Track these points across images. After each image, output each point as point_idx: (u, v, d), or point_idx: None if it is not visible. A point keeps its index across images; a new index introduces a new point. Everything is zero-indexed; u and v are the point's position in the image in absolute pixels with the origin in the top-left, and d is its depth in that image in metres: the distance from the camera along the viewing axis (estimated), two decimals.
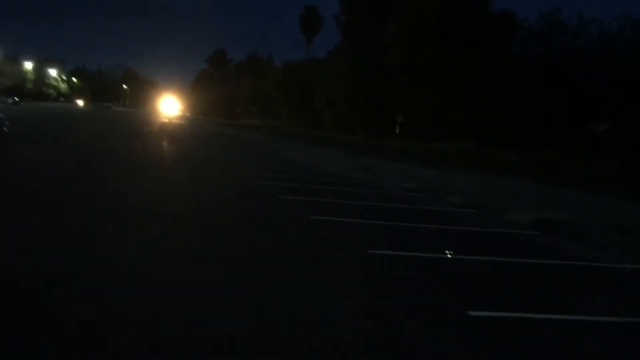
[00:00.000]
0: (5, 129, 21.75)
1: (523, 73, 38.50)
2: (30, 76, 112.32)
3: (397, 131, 45.88)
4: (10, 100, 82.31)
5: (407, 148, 40.88)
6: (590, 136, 36.70)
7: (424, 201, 14.50)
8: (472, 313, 5.73)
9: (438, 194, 15.63)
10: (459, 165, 26.68)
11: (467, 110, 40.98)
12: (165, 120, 74.22)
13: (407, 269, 7.50)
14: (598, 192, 18.14)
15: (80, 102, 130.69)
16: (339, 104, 57.98)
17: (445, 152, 37.36)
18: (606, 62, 35.67)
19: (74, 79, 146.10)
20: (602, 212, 13.85)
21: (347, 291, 6.20)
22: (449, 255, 8.34)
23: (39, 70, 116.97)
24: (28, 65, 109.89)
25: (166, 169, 17.58)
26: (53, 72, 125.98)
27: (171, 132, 43.06)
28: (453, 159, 32.35)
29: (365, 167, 21.83)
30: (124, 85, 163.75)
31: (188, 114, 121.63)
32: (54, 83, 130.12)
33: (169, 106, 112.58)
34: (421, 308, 5.89)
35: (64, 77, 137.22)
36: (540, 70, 38.18)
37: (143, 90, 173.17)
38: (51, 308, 4.77)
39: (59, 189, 11.13)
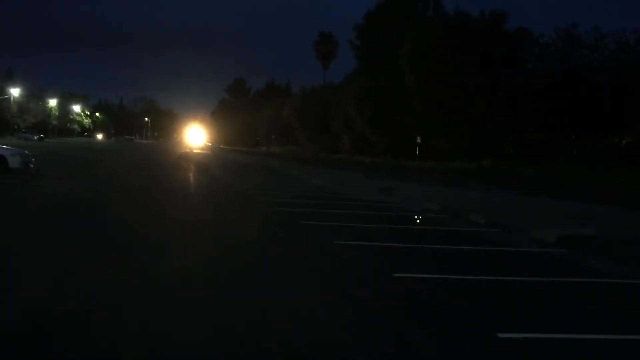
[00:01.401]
0: (31, 165, 22.27)
1: (540, 89, 38.39)
2: (55, 112, 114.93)
3: (416, 152, 45.88)
4: (35, 137, 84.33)
5: (427, 168, 40.80)
6: (612, 149, 36.27)
7: (447, 222, 14.41)
8: (501, 335, 5.67)
9: (460, 214, 15.53)
10: (479, 183, 26.50)
11: (482, 129, 40.86)
12: (187, 150, 75.23)
13: (433, 291, 7.45)
14: (621, 206, 17.85)
15: (99, 136, 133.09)
16: (357, 127, 58.25)
17: (464, 170, 37.19)
18: (625, 75, 35.42)
19: (97, 114, 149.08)
20: (627, 226, 13.61)
21: (371, 315, 6.19)
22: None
23: (63, 107, 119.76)
24: (52, 102, 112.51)
25: (189, 198, 17.76)
26: (77, 107, 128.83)
27: (193, 161, 43.56)
28: (472, 177, 32.18)
29: (386, 189, 21.80)
30: (145, 118, 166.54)
31: (209, 144, 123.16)
32: (78, 118, 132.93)
33: (193, 137, 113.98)
34: (449, 330, 5.84)
35: (88, 112, 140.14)
36: (558, 85, 38.02)
37: (164, 121, 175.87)
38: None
39: (82, 221, 11.33)
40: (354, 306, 6.51)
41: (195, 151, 73.59)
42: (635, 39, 38.59)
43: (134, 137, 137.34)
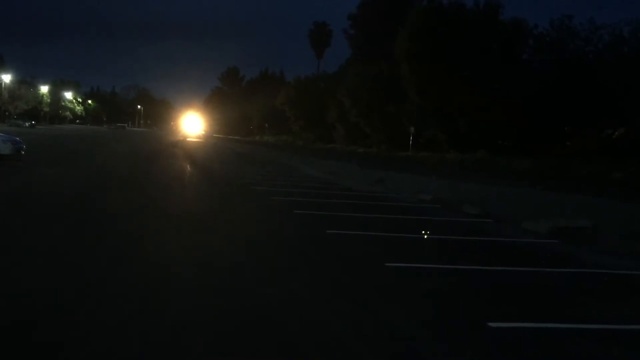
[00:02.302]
0: (22, 152, 22.09)
1: (534, 80, 38.40)
2: (46, 99, 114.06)
3: (410, 143, 45.90)
4: (26, 124, 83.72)
5: (421, 159, 40.84)
6: (605, 141, 36.40)
7: (440, 212, 14.44)
8: (492, 324, 5.68)
9: (453, 204, 15.56)
10: (473, 174, 26.54)
11: (477, 120, 40.90)
12: (181, 138, 74.98)
13: (424, 280, 7.46)
14: (614, 198, 17.93)
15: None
16: (351, 117, 58.15)
17: (459, 162, 37.25)
18: (619, 67, 35.48)
19: (89, 101, 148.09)
20: (620, 218, 13.66)
21: (363, 303, 6.17)
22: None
23: (55, 94, 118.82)
24: (44, 88, 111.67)
25: (184, 187, 17.69)
26: (68, 94, 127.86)
27: (187, 150, 43.40)
28: (466, 168, 32.23)
29: (379, 180, 21.80)
30: (138, 106, 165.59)
31: (203, 132, 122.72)
32: (70, 106, 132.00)
33: (189, 125, 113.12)
34: (440, 319, 5.85)
35: (80, 100, 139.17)
36: (551, 76, 38.05)
37: (157, 110, 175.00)
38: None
39: (72, 209, 11.26)
40: (344, 295, 6.50)
41: (188, 139, 73.25)
42: (629, 30, 38.63)
43: (126, 125, 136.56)
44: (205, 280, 6.73)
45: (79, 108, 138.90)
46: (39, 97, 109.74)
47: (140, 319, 5.20)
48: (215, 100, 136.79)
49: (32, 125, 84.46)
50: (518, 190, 20.54)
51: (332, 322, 5.48)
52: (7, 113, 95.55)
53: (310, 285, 6.78)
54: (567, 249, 10.24)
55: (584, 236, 11.11)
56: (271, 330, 5.16)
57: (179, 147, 48.77)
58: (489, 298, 6.85)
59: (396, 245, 9.84)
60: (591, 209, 14.79)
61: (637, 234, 11.20)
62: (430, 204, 15.92)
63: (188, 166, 26.54)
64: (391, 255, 8.82)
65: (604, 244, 10.63)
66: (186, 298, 5.96)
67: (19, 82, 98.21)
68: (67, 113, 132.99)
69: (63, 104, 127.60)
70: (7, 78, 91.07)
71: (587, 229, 11.57)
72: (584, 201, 17.16)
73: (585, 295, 7.31)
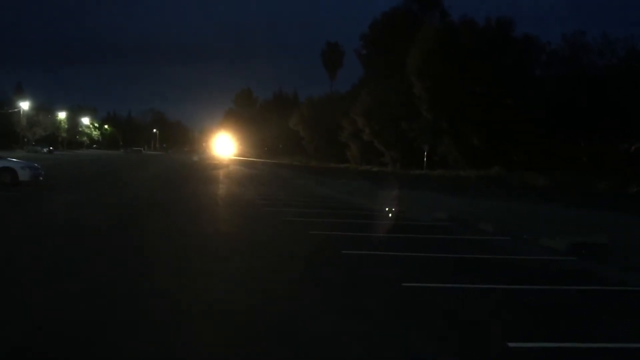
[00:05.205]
0: (40, 178, 22.43)
1: (548, 96, 38.29)
2: (64, 125, 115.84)
3: (424, 161, 45.82)
4: (44, 150, 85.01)
5: (436, 177, 40.72)
6: (621, 156, 36.04)
7: (457, 230, 14.36)
8: (511, 344, 5.62)
9: (470, 222, 15.48)
10: (488, 191, 26.39)
11: (491, 137, 40.78)
12: (195, 159, 75.47)
13: (443, 300, 7.41)
14: (631, 212, 17.71)
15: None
16: (365, 136, 58.26)
17: (473, 179, 37.07)
18: (634, 81, 35.28)
19: (106, 126, 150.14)
20: (637, 232, 13.49)
21: (381, 324, 6.16)
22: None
23: (72, 119, 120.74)
24: (61, 115, 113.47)
25: (199, 209, 17.79)
26: (86, 120, 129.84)
27: (201, 170, 43.73)
28: (481, 185, 32.06)
29: (394, 199, 21.77)
30: (153, 130, 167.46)
31: (219, 154, 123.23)
32: (87, 131, 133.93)
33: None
34: (459, 339, 5.81)
35: (96, 125, 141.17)
36: (566, 91, 37.91)
37: (172, 133, 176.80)
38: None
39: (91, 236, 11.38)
40: (362, 316, 6.48)
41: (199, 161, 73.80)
42: None
43: (141, 149, 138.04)
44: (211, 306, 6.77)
45: (95, 133, 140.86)
46: (56, 123, 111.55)
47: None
48: (230, 122, 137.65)
49: (50, 151, 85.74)
50: (534, 206, 20.38)
51: (349, 342, 5.47)
52: (25, 139, 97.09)
53: (324, 305, 6.78)
54: (585, 266, 10.13)
55: (602, 252, 10.98)
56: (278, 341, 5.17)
57: (193, 170, 49.12)
58: (508, 317, 6.78)
59: (413, 265, 9.80)
60: (608, 224, 14.63)
61: None
62: (446, 222, 15.85)
63: (204, 188, 26.73)
64: (408, 275, 8.78)
65: (621, 260, 10.49)
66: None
67: (37, 108, 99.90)
68: (85, 138, 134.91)
69: (80, 129, 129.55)
70: (25, 105, 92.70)
71: (605, 244, 11.43)
72: (601, 216, 16.98)
73: (604, 313, 7.21)
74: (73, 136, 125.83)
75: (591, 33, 48.93)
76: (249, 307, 6.64)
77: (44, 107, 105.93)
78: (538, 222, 15.50)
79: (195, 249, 10.30)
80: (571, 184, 28.88)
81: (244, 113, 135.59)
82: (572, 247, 11.31)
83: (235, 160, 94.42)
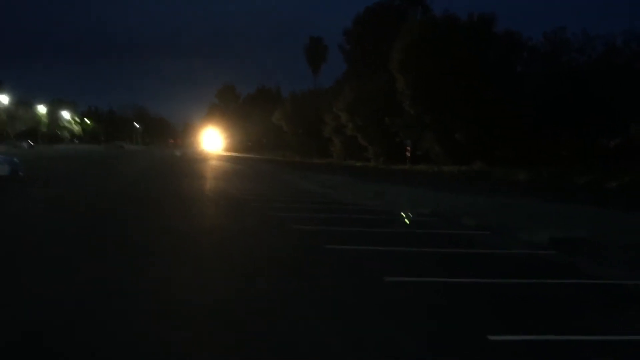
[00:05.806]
0: (20, 173, 22.14)
1: (529, 91, 38.64)
2: (44, 120, 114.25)
3: (407, 156, 46.00)
4: (25, 145, 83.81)
5: (418, 172, 40.89)
6: (601, 151, 36.49)
7: (439, 225, 14.45)
8: (491, 337, 5.68)
9: (451, 217, 15.57)
10: (470, 186, 26.55)
11: (474, 132, 41.06)
12: (178, 154, 74.92)
13: (423, 294, 7.46)
14: (611, 207, 17.93)
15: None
16: (348, 131, 58.29)
17: (456, 174, 37.31)
18: (613, 77, 35.70)
19: (87, 121, 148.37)
20: (617, 228, 13.66)
21: (362, 318, 6.18)
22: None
23: (52, 114, 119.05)
24: (41, 109, 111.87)
25: (183, 204, 17.69)
26: (66, 114, 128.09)
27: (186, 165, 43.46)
28: (463, 180, 32.25)
29: (377, 194, 21.83)
30: (135, 124, 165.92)
31: (202, 149, 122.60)
32: (68, 125, 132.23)
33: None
34: (439, 333, 5.86)
35: (77, 119, 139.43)
36: (546, 87, 38.27)
37: (154, 128, 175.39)
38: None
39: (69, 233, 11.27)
40: (343, 310, 6.51)
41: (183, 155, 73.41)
42: (622, 41, 38.92)
43: (123, 143, 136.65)
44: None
45: (76, 128, 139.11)
46: (36, 118, 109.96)
47: None
48: (213, 117, 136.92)
49: (30, 146, 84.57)
50: (515, 201, 20.53)
51: (330, 336, 5.49)
52: (4, 134, 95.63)
53: (305, 299, 6.80)
54: (565, 260, 10.25)
55: (582, 246, 11.11)
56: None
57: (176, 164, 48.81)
58: (488, 311, 6.85)
59: (395, 259, 9.85)
60: (588, 219, 14.82)
61: (634, 243, 11.20)
62: (429, 217, 15.93)
63: (186, 183, 26.56)
64: (390, 270, 8.83)
65: (601, 254, 10.63)
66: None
67: (16, 103, 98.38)
68: (65, 133, 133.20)
69: (61, 124, 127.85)
70: (4, 99, 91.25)
71: (585, 239, 11.58)
72: (581, 211, 17.16)
73: (584, 307, 7.31)
74: (54, 131, 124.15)
75: (571, 29, 49.41)
76: (227, 301, 6.64)
77: (24, 102, 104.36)
78: (519, 217, 15.63)
79: (180, 246, 10.24)
80: (553, 179, 29.15)
81: (227, 108, 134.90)
82: (553, 242, 11.44)
83: (219, 155, 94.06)
